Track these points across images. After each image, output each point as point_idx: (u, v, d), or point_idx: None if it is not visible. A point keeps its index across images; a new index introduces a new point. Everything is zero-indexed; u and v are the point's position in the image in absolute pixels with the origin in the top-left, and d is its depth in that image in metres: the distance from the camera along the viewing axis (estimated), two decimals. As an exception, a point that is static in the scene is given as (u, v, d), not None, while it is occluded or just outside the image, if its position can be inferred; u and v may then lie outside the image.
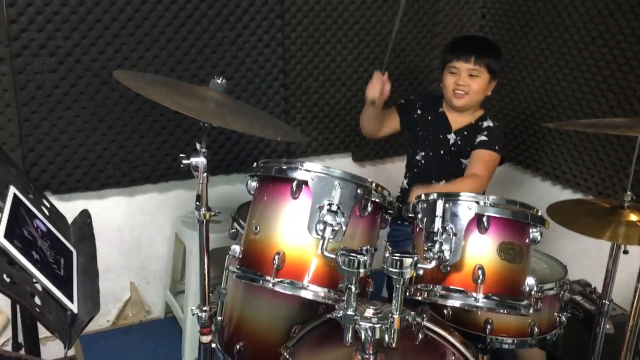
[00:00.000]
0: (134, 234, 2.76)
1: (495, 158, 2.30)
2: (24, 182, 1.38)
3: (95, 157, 2.51)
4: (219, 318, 1.95)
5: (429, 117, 2.42)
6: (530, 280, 1.58)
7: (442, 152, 2.39)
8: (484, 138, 2.31)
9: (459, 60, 2.27)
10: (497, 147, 2.29)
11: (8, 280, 1.04)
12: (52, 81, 2.35)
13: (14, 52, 2.25)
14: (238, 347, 1.88)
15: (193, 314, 1.86)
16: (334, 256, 1.44)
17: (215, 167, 2.75)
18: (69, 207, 1.81)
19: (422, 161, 2.44)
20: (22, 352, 1.52)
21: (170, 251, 2.81)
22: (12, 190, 1.26)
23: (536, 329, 1.91)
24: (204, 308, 1.84)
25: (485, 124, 2.35)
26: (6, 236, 1.08)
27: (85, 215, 1.57)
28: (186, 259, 2.65)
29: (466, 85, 2.27)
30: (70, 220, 1.63)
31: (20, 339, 1.76)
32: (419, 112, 2.45)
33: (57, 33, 2.30)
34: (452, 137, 2.37)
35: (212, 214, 1.78)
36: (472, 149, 2.33)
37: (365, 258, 1.39)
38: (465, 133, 2.36)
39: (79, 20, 2.33)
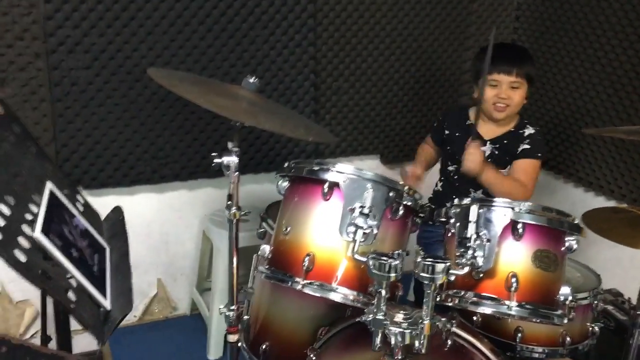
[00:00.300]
0: (163, 230, 2.78)
1: (537, 165, 2.28)
2: (59, 178, 1.40)
3: (127, 154, 2.53)
4: (245, 317, 1.96)
5: (457, 134, 2.37)
6: (565, 290, 1.55)
7: None
8: (526, 147, 2.27)
9: (500, 73, 2.20)
10: (539, 154, 2.27)
11: (44, 275, 1.04)
12: (86, 77, 2.37)
13: (49, 49, 2.28)
14: (264, 347, 1.88)
15: (221, 313, 1.86)
16: (364, 259, 1.43)
17: (244, 166, 2.75)
18: (100, 203, 1.82)
19: (456, 174, 2.39)
20: (53, 344, 1.54)
21: (198, 249, 2.83)
22: (49, 185, 1.27)
23: (568, 338, 1.87)
24: (232, 307, 1.84)
25: (526, 131, 2.30)
26: (43, 231, 1.09)
27: (118, 212, 1.58)
28: (213, 257, 2.66)
29: (508, 98, 2.21)
30: (102, 216, 1.65)
31: (49, 331, 1.78)
32: (446, 132, 2.42)
33: (92, 30, 2.33)
34: (487, 148, 2.31)
35: (242, 213, 1.78)
36: (514, 158, 2.29)
37: (397, 262, 1.38)
38: (505, 142, 2.31)
39: (113, 18, 2.35)
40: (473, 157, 2.13)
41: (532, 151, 2.27)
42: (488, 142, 2.32)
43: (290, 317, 1.89)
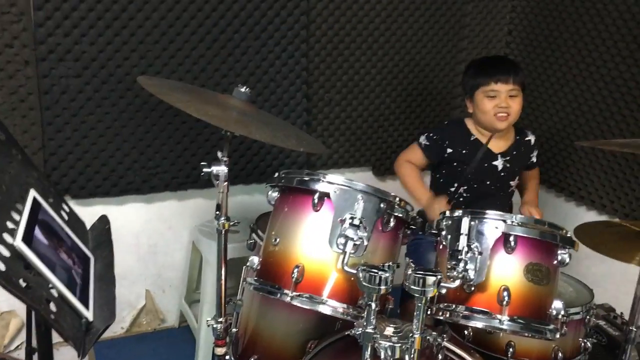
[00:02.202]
0: (151, 241, 2.75)
1: None
2: (45, 186, 1.37)
3: (116, 163, 2.50)
4: (233, 330, 1.93)
5: (464, 152, 2.30)
6: (557, 304, 1.53)
7: (488, 182, 2.32)
8: (537, 152, 2.46)
9: (497, 83, 2.19)
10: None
11: (24, 285, 1.02)
12: (76, 86, 2.35)
13: (39, 56, 2.26)
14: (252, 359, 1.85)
15: (208, 325, 1.84)
16: (354, 271, 1.41)
17: (235, 176, 2.73)
18: (88, 212, 1.79)
19: (463, 194, 2.33)
20: (35, 357, 1.50)
21: (187, 260, 2.79)
22: (32, 193, 1.25)
23: (560, 354, 1.84)
24: (220, 319, 1.82)
25: (529, 138, 2.42)
26: (24, 240, 1.06)
27: (104, 222, 1.55)
28: (202, 268, 2.63)
29: (508, 106, 2.20)
30: (88, 226, 1.62)
31: (35, 343, 1.75)
32: (449, 150, 2.31)
33: (82, 38, 2.31)
34: (499, 162, 2.31)
35: (231, 223, 1.76)
36: (527, 168, 2.43)
37: (387, 274, 1.36)
38: (515, 153, 2.33)
39: (105, 26, 2.33)
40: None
41: (539, 156, 2.48)
42: (499, 156, 2.31)
43: (279, 329, 1.87)
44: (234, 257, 2.29)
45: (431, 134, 2.35)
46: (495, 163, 2.30)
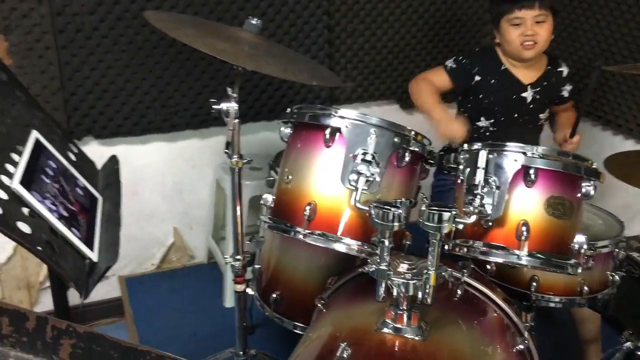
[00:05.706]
0: (176, 179, 2.75)
1: None
2: (50, 126, 1.36)
3: (136, 102, 2.48)
4: (256, 266, 1.94)
5: (492, 81, 2.19)
6: (580, 238, 1.47)
7: (516, 115, 2.22)
8: (571, 87, 2.29)
9: (522, 9, 2.05)
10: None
11: (24, 227, 1.01)
12: (91, 23, 2.30)
13: (52, -7, 2.22)
14: (274, 295, 1.86)
15: (227, 263, 1.85)
16: (367, 208, 1.37)
17: (257, 113, 2.67)
18: (112, 152, 1.77)
19: (490, 128, 2.23)
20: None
21: (212, 197, 2.80)
22: (35, 134, 1.23)
23: (586, 287, 1.79)
24: (238, 257, 1.82)
25: (563, 69, 2.26)
26: (22, 182, 1.05)
27: (113, 162, 1.54)
28: (226, 206, 2.63)
29: (535, 34, 2.06)
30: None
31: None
32: (477, 78, 2.20)
33: (94, -27, 2.25)
34: (529, 94, 2.20)
35: (245, 161, 1.74)
36: (561, 101, 2.29)
37: (400, 211, 1.31)
38: (545, 84, 2.21)
39: (116, -41, 2.26)
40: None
41: (573, 91, 2.31)
42: (529, 87, 2.20)
43: (300, 266, 1.87)
44: (257, 194, 2.28)
45: (460, 58, 2.23)
46: (524, 95, 2.20)
